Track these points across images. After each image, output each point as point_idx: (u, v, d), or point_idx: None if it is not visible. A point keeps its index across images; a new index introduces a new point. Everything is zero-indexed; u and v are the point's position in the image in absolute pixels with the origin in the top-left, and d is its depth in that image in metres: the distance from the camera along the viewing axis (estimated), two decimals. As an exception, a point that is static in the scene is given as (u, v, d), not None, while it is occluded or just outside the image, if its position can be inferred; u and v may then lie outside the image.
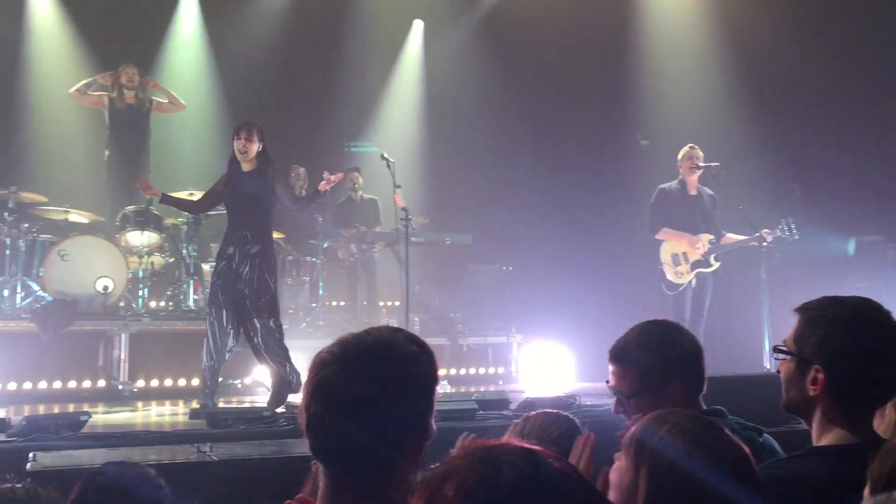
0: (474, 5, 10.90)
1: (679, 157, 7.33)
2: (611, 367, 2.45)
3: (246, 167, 5.86)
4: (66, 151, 9.15)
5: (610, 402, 2.52)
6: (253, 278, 5.78)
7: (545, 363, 8.11)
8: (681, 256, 7.20)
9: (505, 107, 10.36)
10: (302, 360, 7.15)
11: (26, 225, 7.29)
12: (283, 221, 9.03)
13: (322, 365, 1.47)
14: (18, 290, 7.15)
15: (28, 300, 7.18)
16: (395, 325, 5.63)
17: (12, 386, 6.49)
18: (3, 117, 9.07)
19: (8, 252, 7.11)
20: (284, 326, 7.87)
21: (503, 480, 1.04)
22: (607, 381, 2.48)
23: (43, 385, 6.62)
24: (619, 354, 2.41)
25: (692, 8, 10.04)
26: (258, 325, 5.76)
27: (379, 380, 1.44)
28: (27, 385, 6.56)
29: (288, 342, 7.62)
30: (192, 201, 6.65)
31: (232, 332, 5.78)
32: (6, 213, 7.17)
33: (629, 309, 8.59)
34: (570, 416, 2.47)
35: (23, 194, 7.40)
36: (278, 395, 5.79)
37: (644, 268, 7.82)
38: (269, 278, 5.85)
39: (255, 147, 5.80)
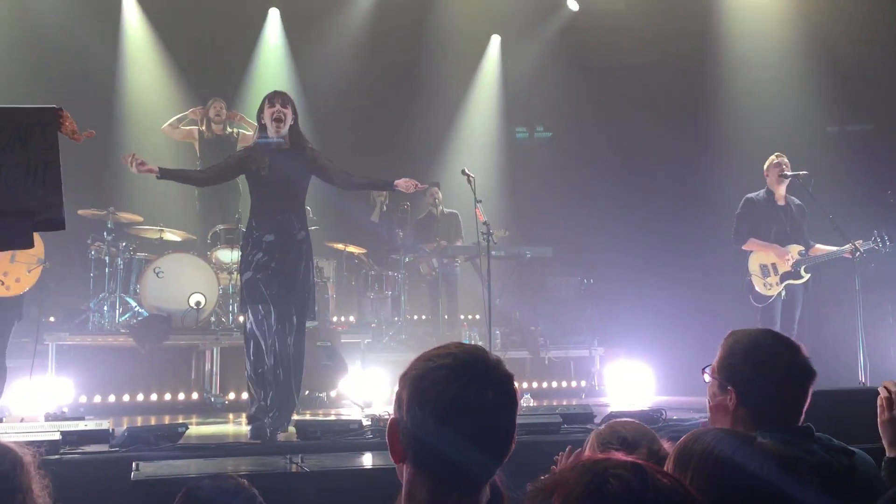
0: (550, 18, 10.92)
1: (765, 165, 7.16)
2: None
3: (279, 146, 5.26)
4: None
5: (698, 417, 2.52)
6: (299, 268, 5.20)
7: (627, 376, 8.03)
8: (769, 268, 7.02)
9: (584, 118, 10.34)
10: (384, 374, 7.28)
11: (124, 244, 7.63)
12: (365, 236, 9.22)
13: (430, 374, 1.48)
14: (117, 306, 7.49)
15: (126, 315, 7.50)
16: (477, 339, 5.63)
17: (112, 398, 6.79)
18: (101, 142, 9.47)
19: (107, 269, 7.47)
20: (367, 340, 8.10)
21: (610, 492, 1.06)
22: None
23: (140, 397, 6.90)
24: (728, 334, 2.41)
25: (775, 13, 9.83)
26: (296, 322, 5.15)
27: (491, 390, 1.47)
28: (126, 397, 6.85)
29: (371, 356, 7.82)
30: (196, 173, 5.95)
31: (288, 328, 5.13)
32: (105, 233, 7.53)
33: (712, 322, 8.40)
34: (651, 429, 2.48)
35: (120, 214, 7.74)
36: (282, 418, 5.10)
37: (729, 280, 7.66)
38: (313, 269, 5.39)
39: (291, 117, 5.27)
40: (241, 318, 5.44)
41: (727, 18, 10.12)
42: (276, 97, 5.28)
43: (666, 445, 2.35)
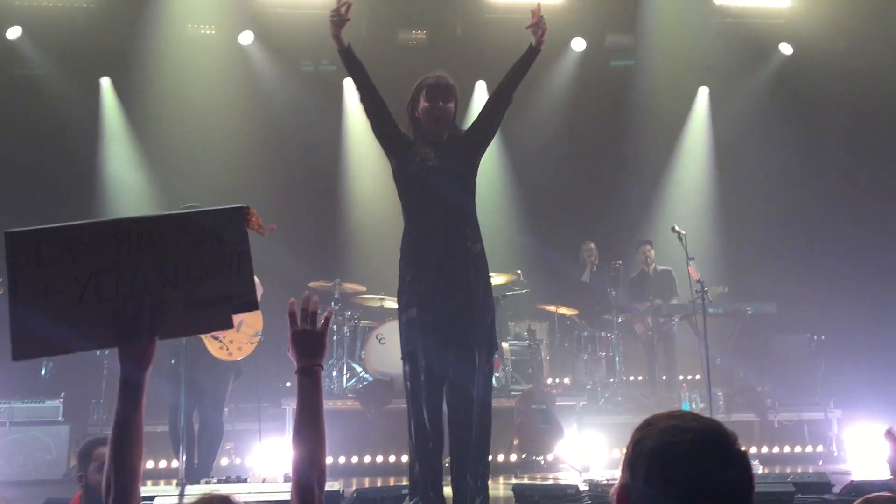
0: (760, 67, 10.51)
1: None
2: None
3: (437, 138, 4.31)
4: (379, 243, 10.07)
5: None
6: (477, 286, 4.17)
7: (871, 441, 7.33)
8: None
9: (802, 166, 9.81)
10: (601, 437, 7.16)
11: (349, 312, 8.15)
12: (577, 297, 9.20)
13: (671, 449, 1.46)
14: (345, 371, 7.96)
15: (352, 381, 7.96)
16: (699, 401, 5.22)
17: (342, 460, 7.18)
18: (327, 219, 10.25)
19: (335, 337, 7.98)
20: (582, 403, 8.00)
21: None
22: None
23: (367, 459, 7.24)
24: None
25: None
26: (472, 374, 4.08)
27: (732, 471, 1.45)
28: (354, 459, 7.21)
29: (587, 418, 7.71)
30: (367, 78, 4.34)
31: (470, 372, 4.11)
32: (333, 303, 8.07)
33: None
34: None
35: (346, 285, 8.28)
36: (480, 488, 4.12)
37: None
38: (491, 293, 4.32)
39: (453, 113, 4.33)
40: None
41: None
42: (437, 91, 4.25)
43: None
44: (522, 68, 4.34)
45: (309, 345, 2.11)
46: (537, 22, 4.27)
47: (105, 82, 9.99)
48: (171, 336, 2.19)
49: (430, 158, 4.20)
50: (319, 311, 2.18)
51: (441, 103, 4.22)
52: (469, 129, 4.44)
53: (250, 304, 2.14)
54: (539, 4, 4.33)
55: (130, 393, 1.95)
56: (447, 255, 4.14)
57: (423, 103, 4.25)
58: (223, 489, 4.79)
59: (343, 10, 4.16)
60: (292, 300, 2.16)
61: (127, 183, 9.85)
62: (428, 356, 4.07)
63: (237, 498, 2.13)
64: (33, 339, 1.99)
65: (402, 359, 4.23)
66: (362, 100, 4.40)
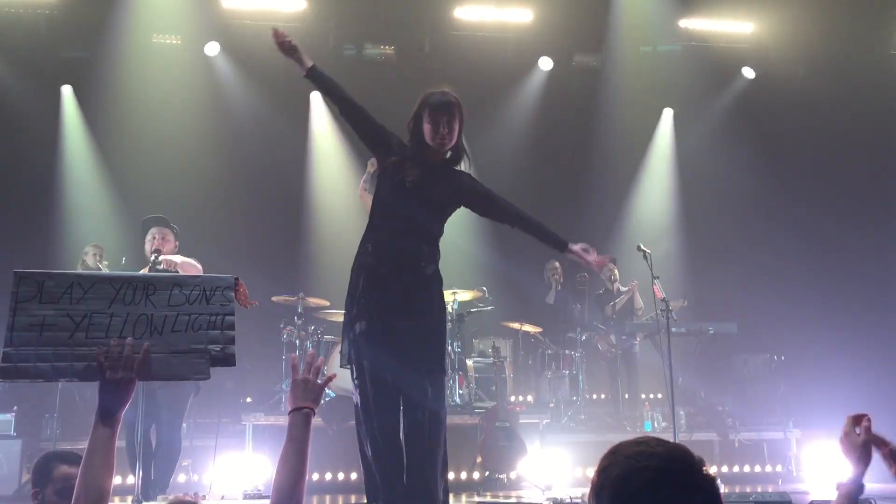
0: (724, 89, 10.69)
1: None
2: None
3: (435, 157, 4.09)
4: (343, 258, 9.99)
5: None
6: (432, 310, 3.99)
7: (829, 461, 7.42)
8: None
9: (764, 188, 9.97)
10: (565, 455, 7.15)
11: (312, 327, 8.05)
12: (541, 315, 9.20)
13: (635, 476, 1.46)
14: (307, 387, 7.84)
15: (314, 397, 7.84)
16: (661, 420, 5.26)
17: (302, 476, 7.06)
18: (291, 232, 10.16)
19: (298, 352, 7.87)
20: (546, 421, 7.97)
21: None
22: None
23: (329, 476, 7.14)
24: None
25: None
26: (425, 390, 3.85)
27: (699, 497, 1.45)
28: (315, 476, 7.11)
29: (550, 436, 7.68)
30: (346, 94, 4.17)
31: (400, 405, 3.89)
32: (296, 318, 7.98)
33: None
34: None
35: (309, 299, 8.19)
36: None
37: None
38: (445, 315, 4.15)
39: (458, 130, 4.06)
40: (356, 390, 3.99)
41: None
42: (441, 111, 3.99)
43: None
44: (535, 235, 4.23)
45: (308, 393, 2.38)
46: (602, 264, 4.28)
47: (66, 91, 9.82)
48: (151, 379, 2.39)
49: (416, 179, 3.97)
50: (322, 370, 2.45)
51: (445, 128, 3.98)
52: (471, 187, 4.23)
53: (227, 359, 2.38)
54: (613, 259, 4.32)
55: (107, 427, 2.12)
56: (398, 273, 3.94)
57: (426, 124, 4.01)
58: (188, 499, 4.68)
59: (279, 40, 4.00)
60: (293, 355, 2.53)
61: (87, 194, 9.66)
62: (379, 369, 3.84)
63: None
64: (18, 366, 2.24)
65: (345, 366, 4.00)
66: (342, 114, 4.17)
